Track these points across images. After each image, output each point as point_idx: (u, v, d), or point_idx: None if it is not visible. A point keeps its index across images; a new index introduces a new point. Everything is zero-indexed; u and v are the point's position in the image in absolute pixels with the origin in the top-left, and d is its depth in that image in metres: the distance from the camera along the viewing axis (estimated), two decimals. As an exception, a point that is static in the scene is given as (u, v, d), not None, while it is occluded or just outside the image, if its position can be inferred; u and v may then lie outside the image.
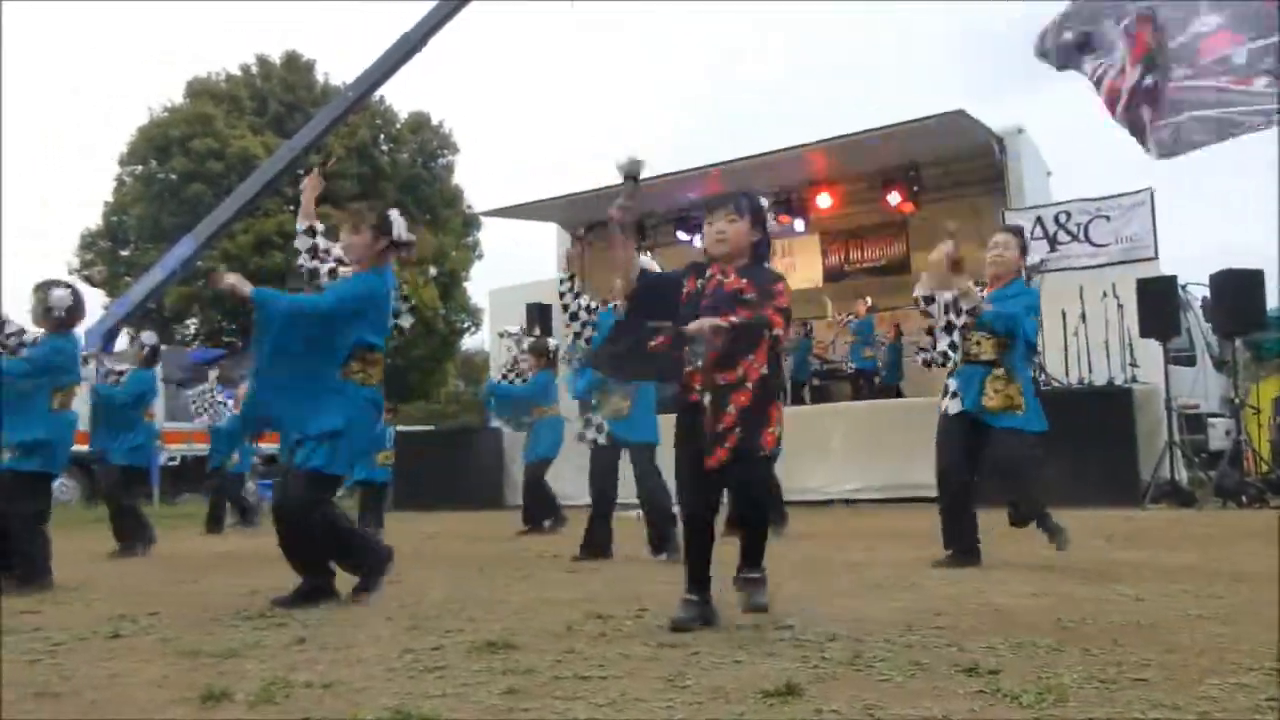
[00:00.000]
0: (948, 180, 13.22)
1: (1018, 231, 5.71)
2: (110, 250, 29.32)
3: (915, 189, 13.16)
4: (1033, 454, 4.91)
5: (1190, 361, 11.93)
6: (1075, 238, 10.57)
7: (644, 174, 3.51)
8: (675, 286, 3.52)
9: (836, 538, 6.87)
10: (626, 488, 6.07)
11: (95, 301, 26.39)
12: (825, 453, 10.92)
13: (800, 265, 15.54)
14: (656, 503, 5.78)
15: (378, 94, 21.64)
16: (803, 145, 12.76)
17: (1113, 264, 10.34)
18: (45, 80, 52.56)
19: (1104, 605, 3.58)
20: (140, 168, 28.74)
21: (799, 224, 14.47)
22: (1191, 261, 37.51)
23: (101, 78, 52.29)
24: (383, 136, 30.97)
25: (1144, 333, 9.66)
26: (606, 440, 5.98)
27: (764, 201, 3.59)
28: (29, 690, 2.60)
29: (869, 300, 14.29)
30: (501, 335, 14.00)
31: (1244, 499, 8.70)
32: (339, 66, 41.29)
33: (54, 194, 49.33)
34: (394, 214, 4.26)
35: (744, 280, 3.40)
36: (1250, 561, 4.71)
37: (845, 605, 3.72)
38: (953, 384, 5.05)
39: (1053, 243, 10.61)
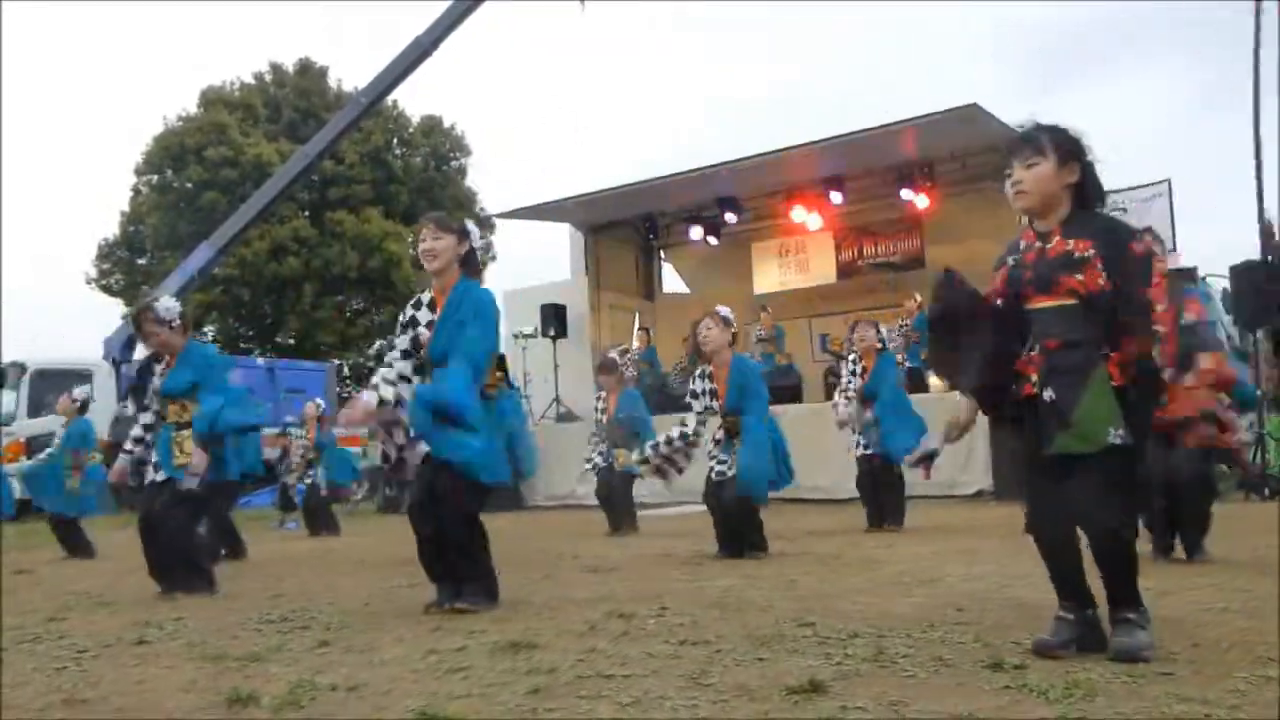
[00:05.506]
0: (963, 175, 13.14)
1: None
2: (128, 259, 29.53)
3: (930, 184, 13.09)
4: None
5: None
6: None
7: None
8: (976, 296, 2.83)
9: (852, 535, 6.85)
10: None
11: (114, 310, 26.68)
12: (839, 451, 10.88)
13: (813, 261, 15.48)
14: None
15: (390, 98, 21.77)
16: (816, 141, 12.70)
17: None
18: (47, 84, 52.93)
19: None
20: (156, 177, 28.90)
21: (813, 220, 14.42)
22: (1211, 253, 36.74)
23: (107, 82, 52.57)
24: (396, 140, 31.04)
25: (1164, 325, 9.58)
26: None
27: (1077, 133, 2.75)
28: (58, 697, 2.62)
29: (919, 297, 13.86)
30: (516, 337, 14.14)
31: (1267, 492, 8.62)
32: (352, 72, 41.43)
33: (53, 202, 49.66)
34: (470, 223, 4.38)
35: (1071, 240, 2.67)
36: (1274, 554, 4.66)
37: (866, 602, 3.71)
38: None
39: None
